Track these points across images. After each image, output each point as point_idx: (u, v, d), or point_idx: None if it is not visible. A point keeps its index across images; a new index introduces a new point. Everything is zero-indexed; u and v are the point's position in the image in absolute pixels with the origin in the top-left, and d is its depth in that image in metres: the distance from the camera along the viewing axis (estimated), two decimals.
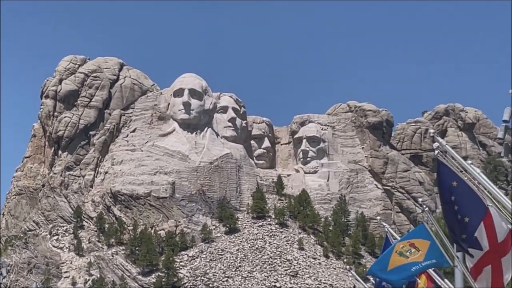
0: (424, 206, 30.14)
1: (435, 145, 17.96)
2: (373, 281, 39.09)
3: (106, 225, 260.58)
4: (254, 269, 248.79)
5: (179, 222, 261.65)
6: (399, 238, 27.21)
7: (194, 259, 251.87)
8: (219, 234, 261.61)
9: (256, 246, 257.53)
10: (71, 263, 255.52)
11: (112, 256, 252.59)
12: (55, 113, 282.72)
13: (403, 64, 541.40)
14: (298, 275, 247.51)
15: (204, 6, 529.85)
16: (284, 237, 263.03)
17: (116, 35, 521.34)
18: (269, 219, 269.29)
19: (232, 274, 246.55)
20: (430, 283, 24.50)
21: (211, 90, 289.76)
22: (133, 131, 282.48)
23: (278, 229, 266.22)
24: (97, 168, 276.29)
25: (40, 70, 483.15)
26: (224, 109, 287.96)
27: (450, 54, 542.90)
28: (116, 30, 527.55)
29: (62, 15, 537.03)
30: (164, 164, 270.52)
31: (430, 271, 23.97)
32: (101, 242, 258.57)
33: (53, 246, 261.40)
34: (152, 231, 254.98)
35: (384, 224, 36.05)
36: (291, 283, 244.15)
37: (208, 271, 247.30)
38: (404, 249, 21.25)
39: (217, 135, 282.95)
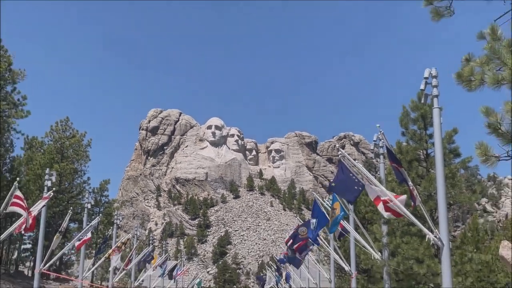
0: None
1: (339, 153, 17.84)
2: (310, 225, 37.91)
3: (173, 194, 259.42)
4: (247, 216, 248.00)
5: (210, 193, 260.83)
6: (323, 201, 26.84)
7: (217, 211, 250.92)
8: (230, 199, 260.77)
9: (249, 204, 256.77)
10: (154, 214, 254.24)
11: (175, 210, 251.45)
12: (146, 137, 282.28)
13: (328, 107, 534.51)
14: (270, 220, 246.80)
15: (223, 77, 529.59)
16: (263, 200, 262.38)
17: (177, 95, 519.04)
18: (255, 191, 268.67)
19: (236, 219, 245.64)
20: (342, 225, 24.33)
21: (226, 125, 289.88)
22: (186, 146, 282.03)
23: (260, 196, 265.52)
24: (168, 165, 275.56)
25: (137, 114, 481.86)
26: (232, 136, 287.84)
27: (356, 105, 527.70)
28: (176, 92, 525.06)
29: (151, 83, 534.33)
30: (202, 163, 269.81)
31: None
32: (170, 203, 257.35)
33: (146, 205, 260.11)
34: (196, 197, 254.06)
35: (314, 193, 36.30)
36: (266, 224, 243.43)
37: (224, 217, 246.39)
38: (332, 211, 20.97)
39: (229, 148, 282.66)
